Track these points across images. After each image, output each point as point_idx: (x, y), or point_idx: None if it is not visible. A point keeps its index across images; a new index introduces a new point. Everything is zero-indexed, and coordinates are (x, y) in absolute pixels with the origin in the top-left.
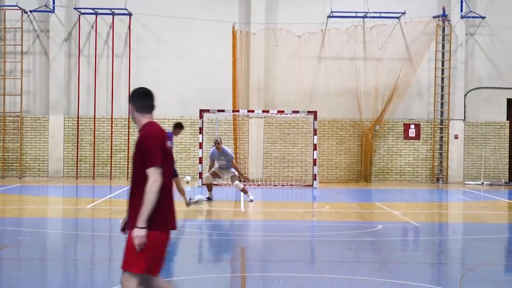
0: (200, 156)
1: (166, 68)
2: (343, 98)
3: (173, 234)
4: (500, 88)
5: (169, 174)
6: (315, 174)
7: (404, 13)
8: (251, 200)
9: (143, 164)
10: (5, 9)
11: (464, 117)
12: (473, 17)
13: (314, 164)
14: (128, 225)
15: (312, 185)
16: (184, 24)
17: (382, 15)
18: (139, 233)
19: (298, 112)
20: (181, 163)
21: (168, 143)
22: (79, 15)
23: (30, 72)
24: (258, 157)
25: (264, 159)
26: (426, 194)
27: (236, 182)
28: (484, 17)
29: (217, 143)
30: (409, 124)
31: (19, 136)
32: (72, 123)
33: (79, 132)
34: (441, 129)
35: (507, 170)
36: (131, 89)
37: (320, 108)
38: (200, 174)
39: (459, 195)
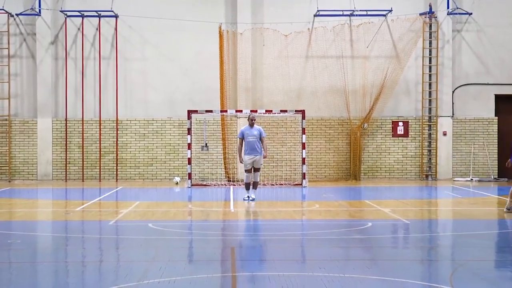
0: (189, 157)
1: (153, 70)
2: (331, 96)
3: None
4: (488, 84)
5: None
6: (304, 173)
7: (390, 11)
8: (253, 199)
9: None
10: None
11: (452, 114)
12: (459, 13)
13: (303, 163)
14: None
15: (301, 184)
16: (170, 25)
17: (369, 13)
18: None
19: (286, 111)
20: (170, 164)
21: None
22: (66, 18)
23: (17, 75)
24: None
25: None
26: (415, 191)
27: (259, 173)
28: (471, 14)
29: (252, 119)
30: (398, 122)
31: (7, 140)
32: (60, 125)
33: (67, 134)
34: (430, 126)
35: (496, 166)
36: (119, 91)
37: (308, 107)
38: (189, 175)
39: (448, 192)
